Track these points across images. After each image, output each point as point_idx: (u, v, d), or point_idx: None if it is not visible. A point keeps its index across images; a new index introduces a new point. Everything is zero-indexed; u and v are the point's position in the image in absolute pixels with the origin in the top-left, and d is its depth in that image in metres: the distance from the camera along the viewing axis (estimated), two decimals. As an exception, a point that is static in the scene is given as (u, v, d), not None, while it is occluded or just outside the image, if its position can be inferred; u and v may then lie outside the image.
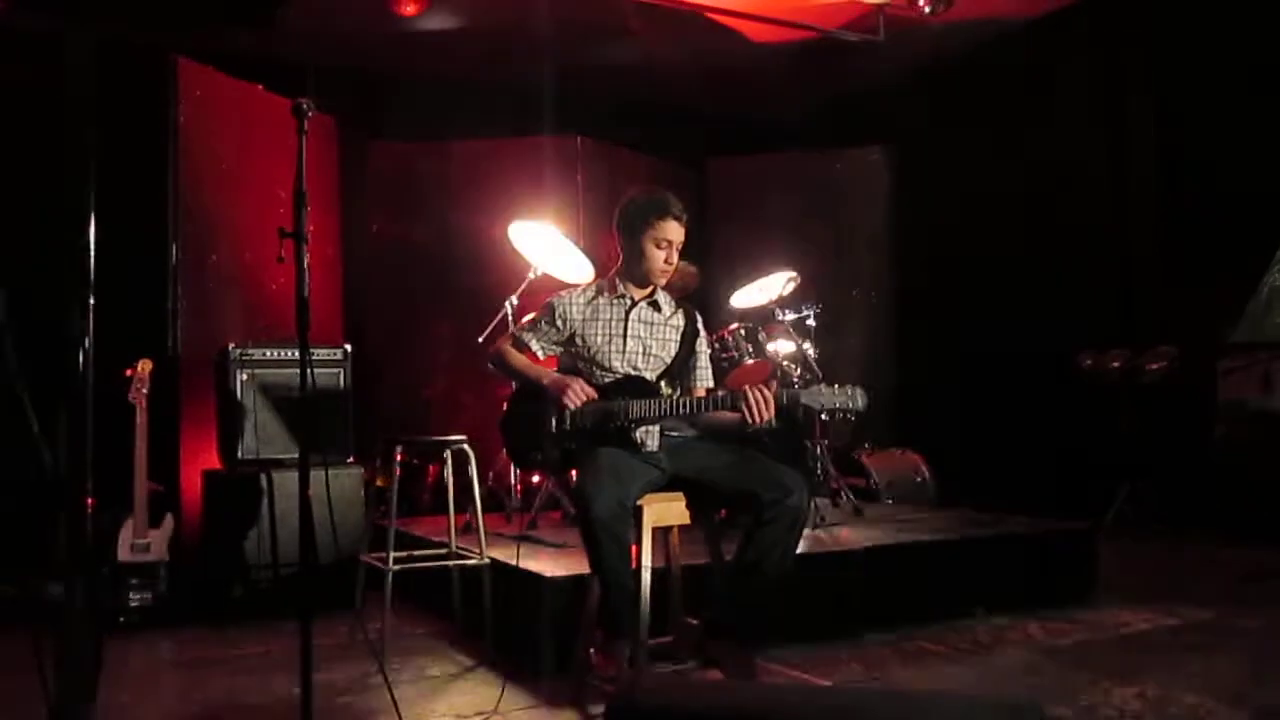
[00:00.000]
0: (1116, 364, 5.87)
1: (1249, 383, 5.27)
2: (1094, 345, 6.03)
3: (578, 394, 3.11)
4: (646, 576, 2.94)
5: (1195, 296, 5.83)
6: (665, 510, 3.06)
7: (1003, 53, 6.92)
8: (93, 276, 2.08)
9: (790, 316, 5.00)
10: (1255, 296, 4.21)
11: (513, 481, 5.09)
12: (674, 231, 3.22)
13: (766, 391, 2.95)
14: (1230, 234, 5.65)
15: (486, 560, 3.70)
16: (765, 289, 5.16)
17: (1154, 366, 5.76)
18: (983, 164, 7.04)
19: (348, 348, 4.65)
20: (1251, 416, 5.19)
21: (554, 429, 3.15)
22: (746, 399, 2.95)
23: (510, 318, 4.80)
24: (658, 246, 3.22)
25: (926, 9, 5.98)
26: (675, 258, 3.28)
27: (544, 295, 3.53)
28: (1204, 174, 5.89)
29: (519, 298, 4.85)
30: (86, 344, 2.03)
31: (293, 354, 4.49)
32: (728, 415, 3.05)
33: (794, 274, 5.13)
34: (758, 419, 2.94)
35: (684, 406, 3.09)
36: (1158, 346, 5.80)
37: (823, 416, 5.08)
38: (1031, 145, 6.85)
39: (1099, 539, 4.34)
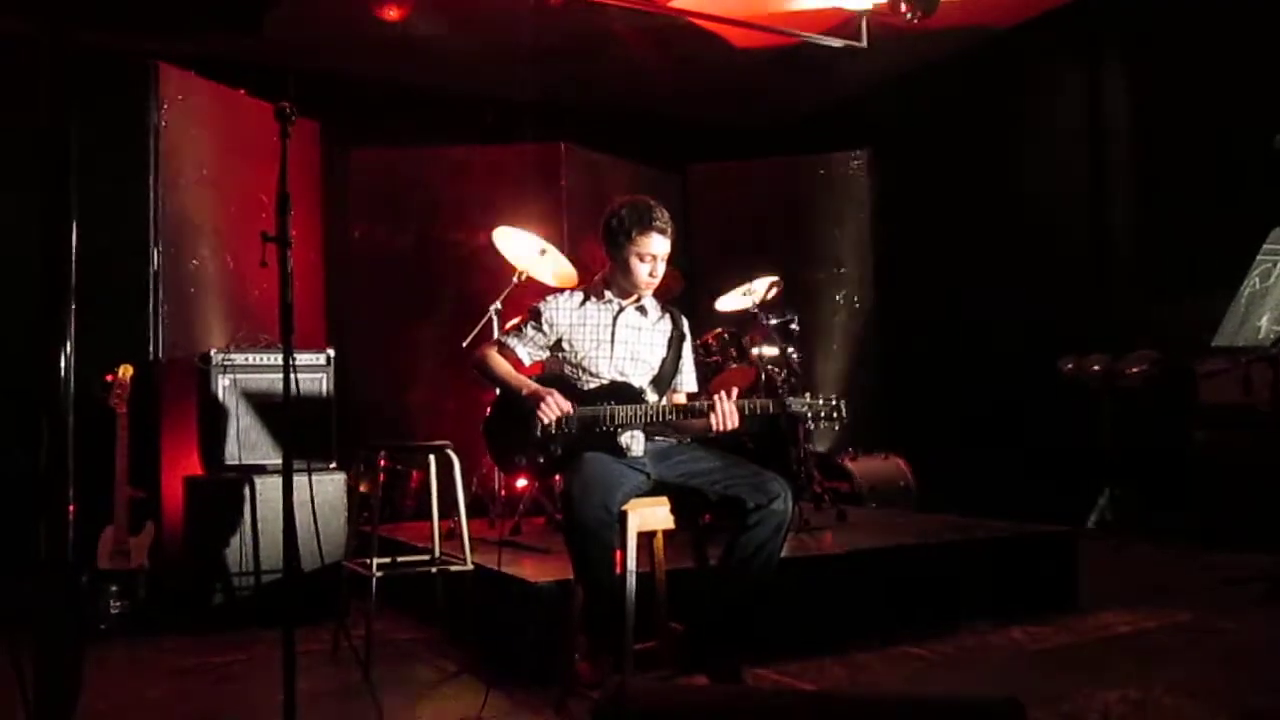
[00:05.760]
0: (1097, 368, 5.90)
1: (1229, 387, 5.31)
2: (1075, 350, 6.07)
3: (552, 408, 3.09)
4: (631, 581, 2.94)
5: (1175, 301, 5.87)
6: (650, 515, 3.06)
7: (984, 59, 6.97)
8: (73, 281, 2.06)
9: (773, 321, 5.01)
10: (1234, 301, 4.24)
11: (496, 486, 5.08)
12: (658, 245, 3.21)
13: (730, 403, 3.03)
14: (1209, 238, 5.70)
15: (470, 566, 3.69)
16: (749, 294, 5.17)
17: (1134, 370, 5.79)
18: (964, 169, 7.09)
19: (331, 353, 4.63)
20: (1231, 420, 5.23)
21: (538, 434, 3.14)
22: (713, 408, 3.03)
23: (494, 323, 4.80)
24: (641, 260, 3.22)
25: (909, 15, 6.00)
26: (661, 269, 3.27)
27: (528, 301, 3.52)
28: (1184, 178, 5.94)
29: (503, 303, 4.85)
30: (67, 349, 2.02)
31: (275, 359, 4.47)
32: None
33: (777, 279, 5.14)
34: (722, 428, 3.03)
35: (667, 413, 3.09)
36: (1138, 351, 5.84)
37: (808, 424, 5.10)
38: (1013, 151, 6.91)
39: (1080, 543, 4.36)
